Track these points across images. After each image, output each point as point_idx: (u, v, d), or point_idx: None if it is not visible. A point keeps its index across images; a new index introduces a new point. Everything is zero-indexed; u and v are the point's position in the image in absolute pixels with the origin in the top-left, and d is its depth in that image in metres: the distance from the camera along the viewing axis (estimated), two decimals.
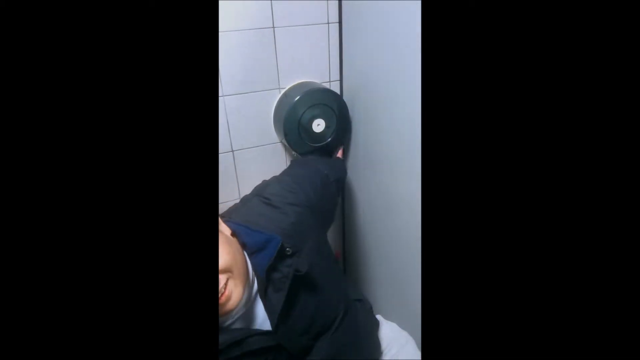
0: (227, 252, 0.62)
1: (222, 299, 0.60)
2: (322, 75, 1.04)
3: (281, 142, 1.06)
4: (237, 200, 0.86)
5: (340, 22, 0.99)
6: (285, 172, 0.90)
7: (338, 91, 1.07)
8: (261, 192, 0.79)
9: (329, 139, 1.01)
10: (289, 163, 1.11)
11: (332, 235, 1.32)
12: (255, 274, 0.68)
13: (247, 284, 0.65)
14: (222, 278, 0.60)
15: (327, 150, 1.04)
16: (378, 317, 0.98)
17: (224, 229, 0.69)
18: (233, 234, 0.70)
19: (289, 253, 0.68)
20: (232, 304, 0.61)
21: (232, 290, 0.61)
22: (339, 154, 1.07)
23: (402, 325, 0.97)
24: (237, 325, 0.67)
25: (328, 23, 0.98)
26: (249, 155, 1.04)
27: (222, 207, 0.84)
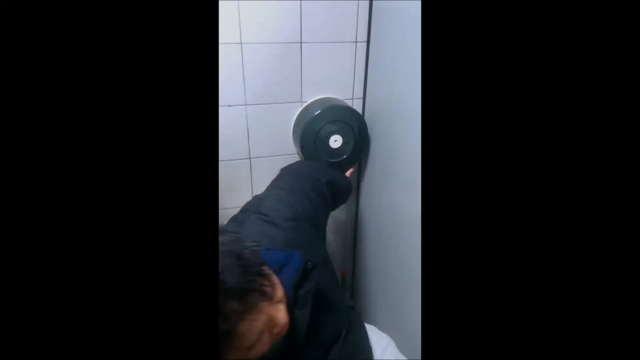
0: None
1: (283, 331, 0.55)
2: (346, 92, 1.05)
3: (298, 154, 1.07)
4: None
5: (368, 41, 1.00)
6: (277, 185, 0.83)
7: (360, 109, 1.07)
8: (257, 209, 0.75)
9: (345, 156, 1.02)
10: None
11: (341, 252, 1.32)
12: None
13: None
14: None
15: (342, 167, 1.04)
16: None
17: None
18: None
19: (309, 267, 0.66)
20: (285, 331, 0.57)
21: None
22: (348, 173, 1.06)
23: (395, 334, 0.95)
24: None
25: (356, 42, 0.99)
26: (265, 163, 1.06)
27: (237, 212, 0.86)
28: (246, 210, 0.77)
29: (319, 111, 0.97)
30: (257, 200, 0.79)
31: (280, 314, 0.52)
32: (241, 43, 0.90)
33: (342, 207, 1.22)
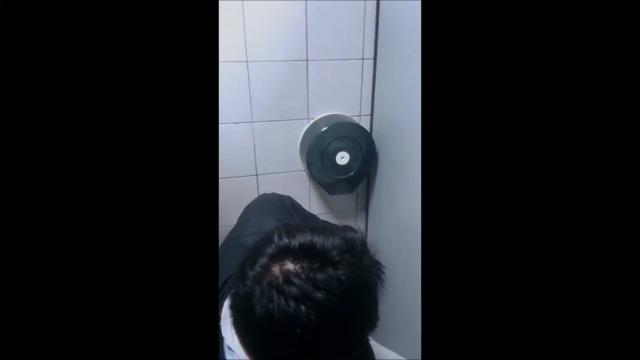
0: None
1: None
2: (353, 109, 1.04)
3: (305, 170, 1.06)
4: None
5: (375, 59, 1.00)
6: (256, 215, 0.71)
7: (368, 125, 1.06)
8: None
9: (352, 173, 1.00)
10: (311, 191, 1.12)
11: None
12: None
13: None
14: None
15: (349, 183, 1.03)
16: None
17: None
18: None
19: None
20: None
21: None
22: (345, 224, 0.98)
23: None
24: None
25: (362, 59, 0.99)
26: (272, 180, 1.06)
27: None
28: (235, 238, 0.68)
29: (326, 128, 0.96)
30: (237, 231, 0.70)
31: None
32: (247, 61, 0.91)
33: (351, 222, 1.20)
